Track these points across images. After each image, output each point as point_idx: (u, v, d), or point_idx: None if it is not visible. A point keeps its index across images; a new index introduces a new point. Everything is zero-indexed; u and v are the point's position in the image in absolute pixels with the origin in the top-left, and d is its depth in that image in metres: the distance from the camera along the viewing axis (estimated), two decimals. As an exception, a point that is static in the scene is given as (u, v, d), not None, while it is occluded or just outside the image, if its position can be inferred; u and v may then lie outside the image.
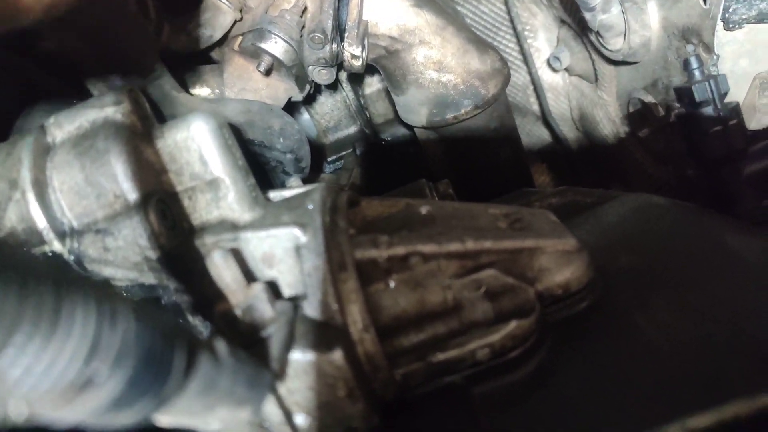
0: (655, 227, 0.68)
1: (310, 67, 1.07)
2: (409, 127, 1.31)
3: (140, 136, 0.62)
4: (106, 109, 0.64)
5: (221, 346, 0.35)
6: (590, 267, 0.60)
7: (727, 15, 0.97)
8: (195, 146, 0.62)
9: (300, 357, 0.50)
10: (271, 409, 0.50)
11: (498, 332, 0.54)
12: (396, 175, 1.47)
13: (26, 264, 0.23)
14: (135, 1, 0.83)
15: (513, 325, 0.54)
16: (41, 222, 0.59)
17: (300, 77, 1.09)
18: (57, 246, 0.60)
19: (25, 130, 0.89)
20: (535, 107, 1.69)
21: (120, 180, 0.58)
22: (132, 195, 0.58)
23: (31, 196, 0.59)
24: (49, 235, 0.59)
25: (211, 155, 0.62)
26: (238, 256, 0.57)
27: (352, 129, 1.48)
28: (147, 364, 0.27)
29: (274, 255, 0.59)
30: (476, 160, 1.27)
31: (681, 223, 0.68)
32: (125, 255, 0.60)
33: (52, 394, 0.22)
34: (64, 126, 0.63)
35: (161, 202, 0.60)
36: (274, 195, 0.71)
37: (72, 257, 0.60)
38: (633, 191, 1.41)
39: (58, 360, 0.22)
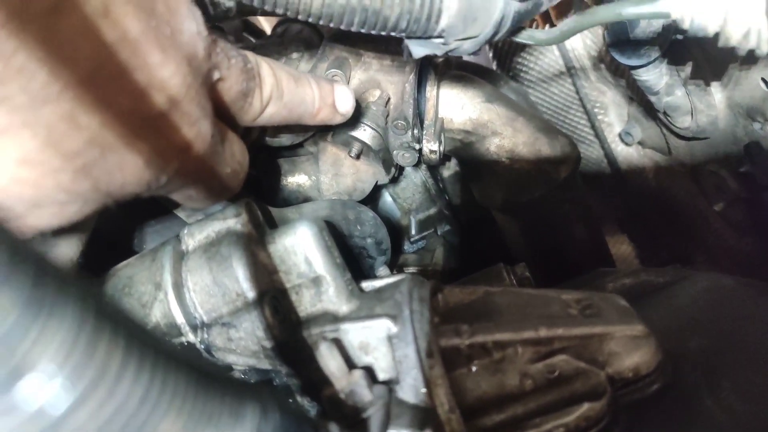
0: (724, 309, 0.71)
1: (395, 152, 1.19)
2: (487, 209, 1.38)
3: (255, 242, 0.74)
4: (228, 220, 0.76)
5: (334, 428, 0.44)
6: (659, 351, 0.65)
7: (791, 94, 1.01)
8: (301, 249, 0.72)
9: (395, 436, 0.57)
10: (372, 483, 0.58)
11: (572, 414, 0.60)
12: (477, 252, 1.54)
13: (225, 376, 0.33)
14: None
15: (585, 407, 0.60)
16: (179, 318, 0.71)
17: (386, 161, 1.20)
18: (191, 337, 0.71)
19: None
20: (612, 180, 1.72)
21: (240, 281, 0.69)
22: (250, 293, 0.69)
23: (171, 297, 0.71)
24: (185, 328, 0.71)
25: (314, 256, 0.72)
26: (339, 345, 0.66)
27: (433, 210, 1.55)
28: (286, 445, 0.36)
29: (369, 343, 0.68)
30: (552, 240, 1.32)
31: (749, 305, 0.71)
32: (246, 344, 0.70)
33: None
34: (195, 235, 0.76)
35: (274, 299, 0.71)
36: (366, 285, 0.80)
37: (203, 346, 0.71)
38: (717, 262, 1.41)
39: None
